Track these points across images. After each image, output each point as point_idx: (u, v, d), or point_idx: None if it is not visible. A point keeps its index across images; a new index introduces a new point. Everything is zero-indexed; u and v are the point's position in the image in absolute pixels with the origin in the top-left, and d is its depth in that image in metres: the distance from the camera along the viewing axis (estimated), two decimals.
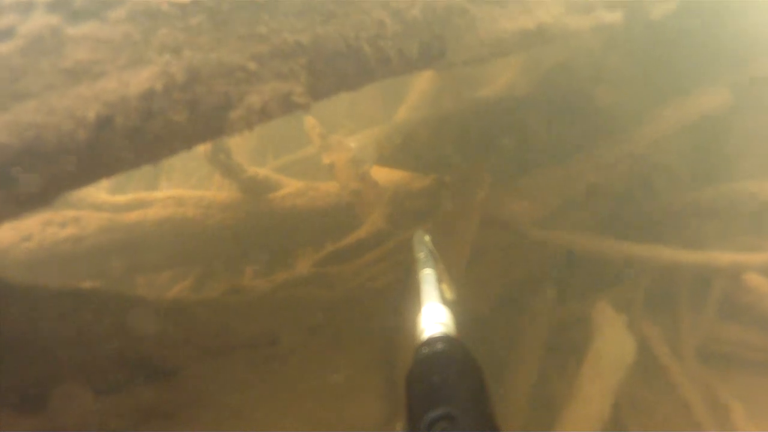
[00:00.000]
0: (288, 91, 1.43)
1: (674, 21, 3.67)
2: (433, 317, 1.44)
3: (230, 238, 4.04)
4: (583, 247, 3.28)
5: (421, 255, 1.97)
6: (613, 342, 2.98)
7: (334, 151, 4.08)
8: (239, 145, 5.61)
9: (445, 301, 1.57)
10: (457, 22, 1.73)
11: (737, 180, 4.37)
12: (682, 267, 3.32)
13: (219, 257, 4.25)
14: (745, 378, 4.05)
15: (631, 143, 3.75)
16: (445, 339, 1.33)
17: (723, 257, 3.54)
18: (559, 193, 3.51)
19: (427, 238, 2.16)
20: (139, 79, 1.19)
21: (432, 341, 1.32)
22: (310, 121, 4.12)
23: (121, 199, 3.85)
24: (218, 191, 4.43)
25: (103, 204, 3.75)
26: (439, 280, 1.76)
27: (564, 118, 3.97)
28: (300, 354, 2.57)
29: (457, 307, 1.58)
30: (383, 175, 3.95)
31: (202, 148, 3.74)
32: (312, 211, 4.19)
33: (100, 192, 3.88)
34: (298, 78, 1.41)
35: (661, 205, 4.32)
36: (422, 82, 5.37)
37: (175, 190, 4.01)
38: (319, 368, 2.60)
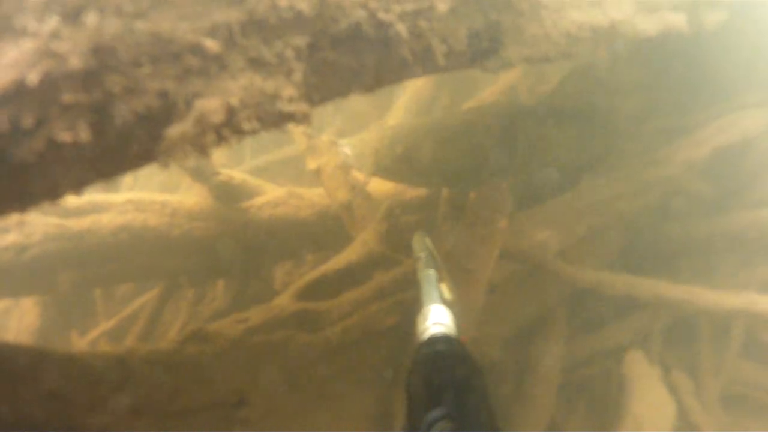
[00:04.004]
0: (273, 92, 0.88)
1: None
2: (434, 318, 1.46)
3: (198, 252, 3.54)
4: (615, 288, 2.81)
5: (422, 255, 2.00)
6: (651, 404, 2.51)
7: (322, 155, 3.58)
8: None
9: (445, 302, 1.59)
10: (519, 6, 1.19)
11: (759, 207, 4.00)
12: (725, 312, 2.88)
13: (185, 273, 3.73)
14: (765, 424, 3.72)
15: (668, 166, 3.29)
16: (445, 339, 1.35)
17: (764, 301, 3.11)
18: (587, 220, 3.03)
19: (427, 238, 2.18)
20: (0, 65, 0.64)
21: (432, 341, 1.35)
22: None
23: (72, 202, 3.31)
24: (186, 195, 3.89)
25: (51, 207, 3.24)
26: (440, 281, 1.77)
27: (586, 134, 3.51)
28: (274, 417, 2.04)
29: (456, 307, 1.60)
30: (375, 185, 3.46)
31: None
32: (294, 223, 3.71)
33: None
34: (291, 70, 0.86)
35: (679, 232, 3.92)
36: (417, 80, 4.88)
37: (134, 193, 3.47)
38: None
